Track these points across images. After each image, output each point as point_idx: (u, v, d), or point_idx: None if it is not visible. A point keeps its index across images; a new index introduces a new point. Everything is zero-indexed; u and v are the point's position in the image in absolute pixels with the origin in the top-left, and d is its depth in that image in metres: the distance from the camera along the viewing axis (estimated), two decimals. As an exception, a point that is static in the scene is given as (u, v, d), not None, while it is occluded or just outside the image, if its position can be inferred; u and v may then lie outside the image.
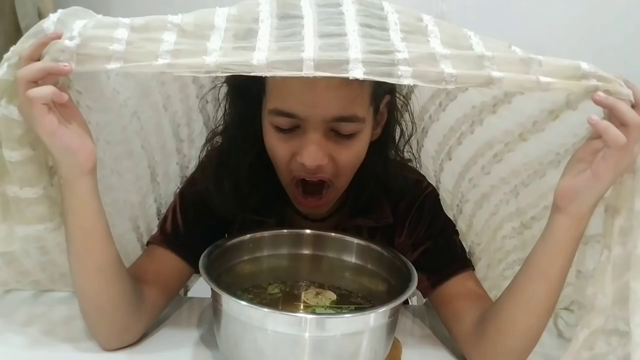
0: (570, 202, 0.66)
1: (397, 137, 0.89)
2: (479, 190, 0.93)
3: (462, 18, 2.04)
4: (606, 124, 0.61)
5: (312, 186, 0.79)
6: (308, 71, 0.58)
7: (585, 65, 0.62)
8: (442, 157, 0.96)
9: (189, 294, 1.06)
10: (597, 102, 0.62)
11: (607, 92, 0.62)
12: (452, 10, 2.04)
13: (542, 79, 0.61)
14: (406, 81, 0.59)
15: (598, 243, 0.74)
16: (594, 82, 0.62)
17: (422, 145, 1.00)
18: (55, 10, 0.67)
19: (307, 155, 0.74)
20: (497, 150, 0.85)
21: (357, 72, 0.58)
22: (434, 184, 1.01)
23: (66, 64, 0.61)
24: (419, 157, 1.01)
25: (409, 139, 0.90)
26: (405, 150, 0.91)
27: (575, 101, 0.71)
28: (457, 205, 0.99)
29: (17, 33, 1.68)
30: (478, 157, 0.89)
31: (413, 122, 0.89)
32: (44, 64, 0.62)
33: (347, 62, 0.58)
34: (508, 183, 0.88)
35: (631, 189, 0.66)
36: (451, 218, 0.99)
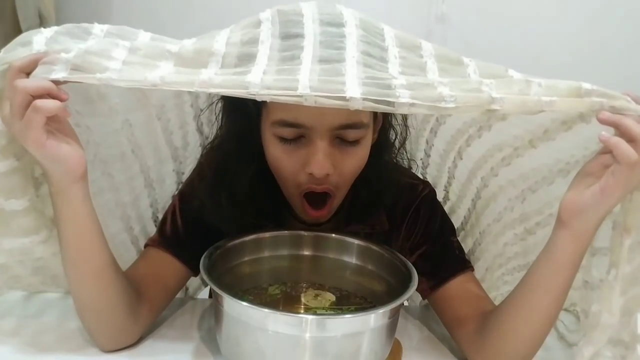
0: (574, 217, 0.65)
1: (393, 143, 0.88)
2: (489, 190, 0.92)
3: (462, 20, 2.05)
4: (617, 139, 0.60)
5: (316, 197, 0.78)
6: (304, 91, 0.58)
7: (586, 85, 0.61)
8: (453, 156, 0.96)
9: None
10: (603, 122, 0.60)
11: (613, 108, 0.60)
12: (452, 12, 2.04)
13: (545, 98, 0.60)
14: (404, 101, 0.58)
15: (605, 256, 0.72)
16: (598, 99, 0.60)
17: (433, 145, 0.99)
18: (55, 12, 0.66)
19: (315, 164, 0.73)
20: (505, 154, 0.85)
21: (354, 92, 0.58)
22: (447, 180, 1.00)
23: (65, 92, 0.62)
24: (430, 155, 1.01)
25: (403, 142, 0.89)
26: (399, 155, 0.90)
27: (588, 115, 0.68)
28: (472, 200, 0.98)
29: (18, 35, 1.67)
30: (488, 157, 0.88)
31: (406, 126, 0.88)
32: (50, 84, 0.61)
33: (343, 83, 0.58)
34: (516, 187, 0.87)
35: None
36: (465, 211, 0.99)
